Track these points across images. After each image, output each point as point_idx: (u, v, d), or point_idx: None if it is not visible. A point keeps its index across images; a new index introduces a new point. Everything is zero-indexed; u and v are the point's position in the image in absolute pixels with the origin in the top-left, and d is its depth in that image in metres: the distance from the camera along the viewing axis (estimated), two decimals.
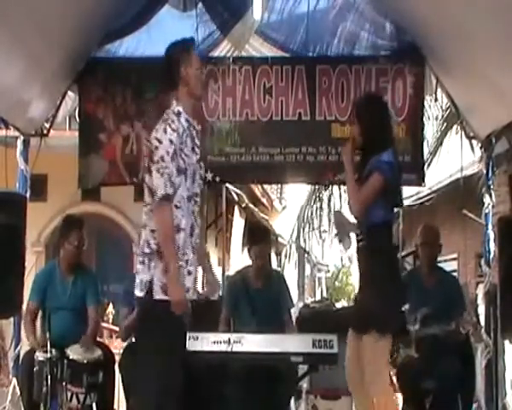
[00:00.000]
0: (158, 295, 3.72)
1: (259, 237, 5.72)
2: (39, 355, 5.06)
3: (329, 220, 12.28)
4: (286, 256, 14.54)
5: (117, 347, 6.34)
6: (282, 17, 6.07)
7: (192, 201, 3.86)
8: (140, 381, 3.81)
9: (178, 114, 3.85)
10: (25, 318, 5.51)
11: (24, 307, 5.48)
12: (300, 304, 9.37)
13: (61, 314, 5.42)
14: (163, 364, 3.69)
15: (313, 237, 13.51)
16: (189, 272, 3.81)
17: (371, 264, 4.23)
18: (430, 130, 9.19)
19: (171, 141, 3.74)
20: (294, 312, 6.12)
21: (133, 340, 5.64)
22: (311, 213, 12.51)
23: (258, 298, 5.54)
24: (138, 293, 3.79)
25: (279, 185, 15.33)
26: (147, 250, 3.79)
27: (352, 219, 4.40)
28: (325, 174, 6.10)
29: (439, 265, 6.00)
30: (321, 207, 12.20)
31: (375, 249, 4.21)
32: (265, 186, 13.52)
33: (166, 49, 3.98)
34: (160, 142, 3.75)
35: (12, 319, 5.73)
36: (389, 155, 4.17)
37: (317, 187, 11.60)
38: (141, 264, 3.80)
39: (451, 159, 8.80)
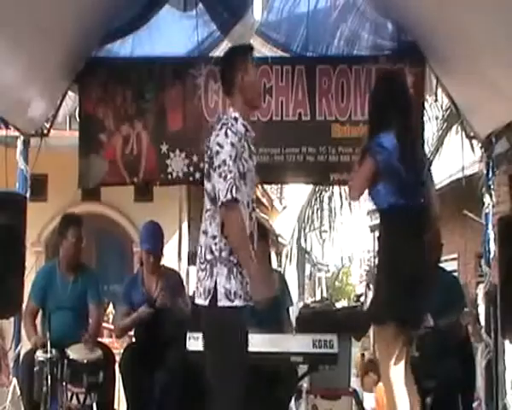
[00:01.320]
0: (222, 302, 3.66)
1: (258, 235, 5.70)
2: (39, 355, 5.06)
3: (330, 220, 12.29)
4: (287, 257, 14.54)
5: (117, 347, 6.35)
6: (282, 17, 6.07)
7: (250, 207, 3.81)
8: (214, 387, 3.72)
9: (235, 119, 3.78)
10: (25, 317, 5.50)
11: (24, 306, 5.49)
12: (300, 304, 9.37)
13: (61, 314, 5.42)
14: (232, 370, 3.66)
15: (313, 237, 13.52)
16: (247, 283, 3.73)
17: (381, 252, 4.19)
18: (430, 130, 9.19)
19: (232, 144, 3.67)
20: (294, 311, 6.11)
21: (133, 340, 5.65)
22: (312, 214, 12.52)
23: None
24: (202, 301, 3.71)
25: (279, 185, 15.33)
26: (209, 257, 3.70)
27: None
28: (325, 174, 6.10)
29: (440, 265, 6.00)
30: (321, 208, 12.21)
31: (384, 236, 4.16)
32: (265, 186, 13.52)
33: (225, 53, 3.92)
34: (221, 146, 3.67)
35: (12, 319, 5.73)
36: (386, 138, 4.07)
37: (317, 187, 11.60)
38: (202, 271, 3.72)
39: (451, 159, 8.80)
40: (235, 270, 3.68)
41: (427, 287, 4.15)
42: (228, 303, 3.66)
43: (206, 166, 3.78)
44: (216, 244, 3.70)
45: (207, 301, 3.68)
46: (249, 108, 3.91)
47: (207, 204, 3.78)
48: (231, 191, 3.62)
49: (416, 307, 4.12)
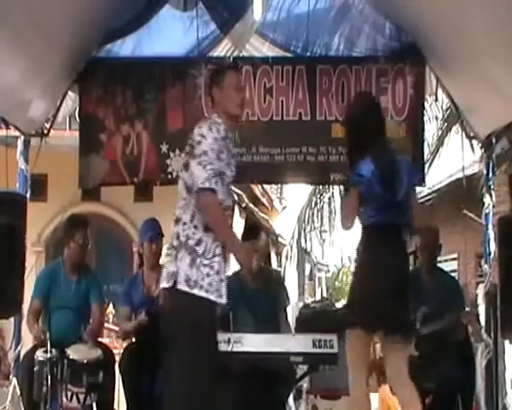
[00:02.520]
0: (181, 285, 3.71)
1: (254, 234, 5.70)
2: (39, 355, 5.06)
3: (330, 221, 12.29)
4: (287, 258, 14.53)
5: (117, 347, 6.35)
6: (282, 17, 6.08)
7: (226, 213, 3.90)
8: (172, 367, 3.78)
9: (219, 123, 3.88)
10: (28, 315, 5.50)
11: (26, 305, 5.49)
12: (300, 304, 9.37)
13: (63, 313, 5.43)
14: (189, 354, 3.69)
15: (313, 237, 13.50)
16: (222, 280, 3.81)
17: (362, 265, 4.36)
18: (430, 130, 9.20)
19: (215, 138, 3.77)
20: (294, 311, 6.11)
21: (133, 340, 5.65)
22: (312, 214, 12.52)
23: (255, 298, 5.53)
24: (164, 284, 3.78)
25: (279, 185, 15.32)
26: (175, 243, 3.79)
27: None
28: (325, 174, 6.11)
29: (439, 265, 6.01)
30: (321, 208, 12.21)
31: (364, 250, 4.34)
32: (265, 186, 13.51)
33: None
34: (204, 137, 3.77)
35: (12, 319, 5.73)
36: (364, 166, 4.22)
37: (317, 187, 11.60)
38: (167, 256, 3.82)
39: (451, 159, 8.81)
40: (198, 260, 3.74)
41: (403, 297, 4.37)
42: (186, 288, 3.71)
43: (187, 156, 3.86)
44: (184, 231, 3.78)
45: (169, 284, 3.74)
46: (230, 118, 3.97)
47: (183, 193, 3.86)
48: (210, 180, 3.70)
49: (389, 315, 4.25)
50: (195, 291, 3.71)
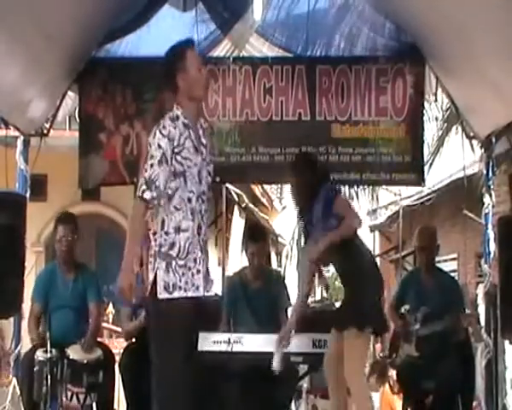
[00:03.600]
0: (162, 295, 3.73)
1: (257, 235, 5.71)
2: (39, 355, 5.06)
3: None
4: (287, 258, 14.55)
5: (117, 347, 6.35)
6: (282, 17, 6.07)
7: (199, 200, 3.86)
8: (154, 375, 3.77)
9: (176, 118, 3.83)
10: (29, 320, 5.49)
11: (26, 307, 5.49)
12: None
13: (62, 312, 5.43)
14: (174, 360, 3.70)
15: None
16: (198, 271, 3.81)
17: (342, 266, 4.54)
18: (430, 130, 9.19)
19: (159, 146, 3.75)
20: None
21: (133, 340, 5.65)
22: None
23: (257, 298, 5.54)
24: (147, 295, 3.80)
25: (279, 185, 15.33)
26: (151, 253, 3.82)
27: None
28: None
29: (439, 265, 6.01)
30: None
31: (343, 254, 4.48)
32: (265, 186, 13.52)
33: (165, 54, 3.95)
34: (150, 145, 3.79)
35: (12, 319, 5.73)
36: (321, 203, 4.52)
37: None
38: (148, 264, 3.83)
39: (451, 159, 8.80)
40: (173, 263, 3.76)
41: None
42: (167, 295, 3.73)
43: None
44: (156, 240, 3.79)
45: (150, 294, 3.77)
46: (194, 102, 3.92)
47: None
48: (140, 189, 3.73)
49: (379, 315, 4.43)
50: (175, 294, 3.74)
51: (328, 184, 4.70)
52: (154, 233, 3.81)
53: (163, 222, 3.80)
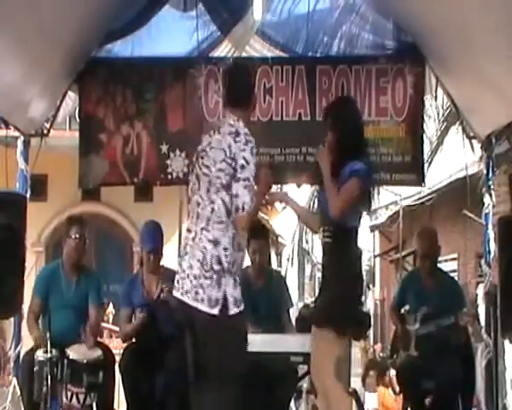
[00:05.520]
0: (232, 310, 3.81)
1: (259, 232, 5.71)
2: (39, 355, 5.06)
3: None
4: (288, 260, 14.55)
5: (117, 347, 6.35)
6: (282, 17, 6.08)
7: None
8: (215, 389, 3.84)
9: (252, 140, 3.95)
10: (28, 314, 5.51)
11: (26, 305, 5.49)
12: (300, 304, 9.37)
13: (63, 313, 5.43)
14: (236, 372, 3.81)
15: (314, 237, 13.51)
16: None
17: (335, 264, 4.21)
18: (430, 130, 9.18)
19: (255, 165, 3.87)
20: (294, 311, 6.11)
21: (133, 340, 5.65)
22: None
23: (258, 298, 5.54)
24: (207, 309, 3.80)
25: (279, 185, 15.32)
26: (216, 267, 3.82)
27: None
28: None
29: (439, 265, 6.01)
30: None
31: (340, 251, 4.20)
32: None
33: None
34: (247, 162, 3.83)
35: (12, 320, 5.73)
36: (363, 164, 4.15)
37: (317, 187, 11.59)
38: (206, 279, 3.82)
39: (451, 159, 8.80)
40: (237, 279, 3.88)
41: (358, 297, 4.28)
42: (237, 310, 3.83)
43: (226, 177, 3.84)
44: (226, 256, 3.83)
45: (217, 310, 3.79)
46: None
47: (221, 215, 3.86)
48: (251, 204, 3.80)
49: (356, 316, 4.20)
50: (241, 307, 3.88)
51: (358, 163, 4.15)
52: (225, 248, 3.84)
53: (233, 238, 3.87)
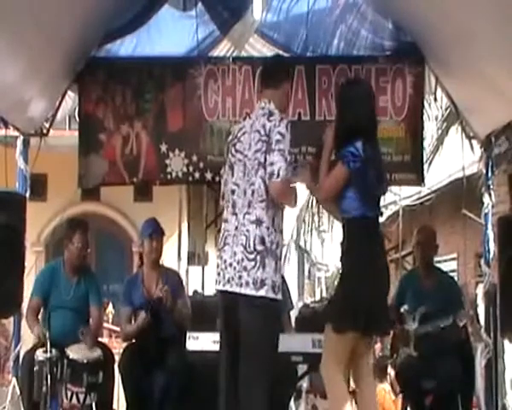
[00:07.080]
0: (269, 293, 3.74)
1: None
2: (39, 355, 5.06)
3: (329, 220, 12.29)
4: (285, 258, 14.53)
5: (117, 347, 6.35)
6: (281, 17, 6.08)
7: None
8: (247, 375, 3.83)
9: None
10: (27, 312, 5.49)
11: (25, 304, 5.49)
12: (300, 304, 9.36)
13: (63, 313, 5.43)
14: (268, 359, 3.79)
15: (313, 236, 13.51)
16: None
17: (343, 259, 4.09)
18: (430, 130, 9.19)
19: (289, 140, 3.87)
20: (293, 311, 6.11)
21: (133, 340, 5.65)
22: (311, 214, 12.52)
23: None
24: (255, 292, 3.74)
25: None
26: (259, 247, 3.77)
27: None
28: None
29: (439, 265, 6.02)
30: (320, 207, 12.21)
31: (346, 244, 4.06)
32: None
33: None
34: (282, 136, 3.83)
35: (12, 319, 5.73)
36: (358, 147, 3.99)
37: None
38: (252, 261, 3.76)
39: (451, 159, 8.80)
40: (279, 263, 3.80)
41: (382, 297, 4.11)
42: (273, 295, 3.76)
43: (263, 155, 3.84)
44: (269, 236, 3.78)
45: (263, 291, 3.74)
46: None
47: (262, 193, 3.85)
48: (287, 173, 3.81)
49: (370, 314, 3.98)
50: (279, 296, 3.82)
51: (351, 147, 4.02)
52: (267, 227, 3.80)
53: (273, 218, 3.84)
